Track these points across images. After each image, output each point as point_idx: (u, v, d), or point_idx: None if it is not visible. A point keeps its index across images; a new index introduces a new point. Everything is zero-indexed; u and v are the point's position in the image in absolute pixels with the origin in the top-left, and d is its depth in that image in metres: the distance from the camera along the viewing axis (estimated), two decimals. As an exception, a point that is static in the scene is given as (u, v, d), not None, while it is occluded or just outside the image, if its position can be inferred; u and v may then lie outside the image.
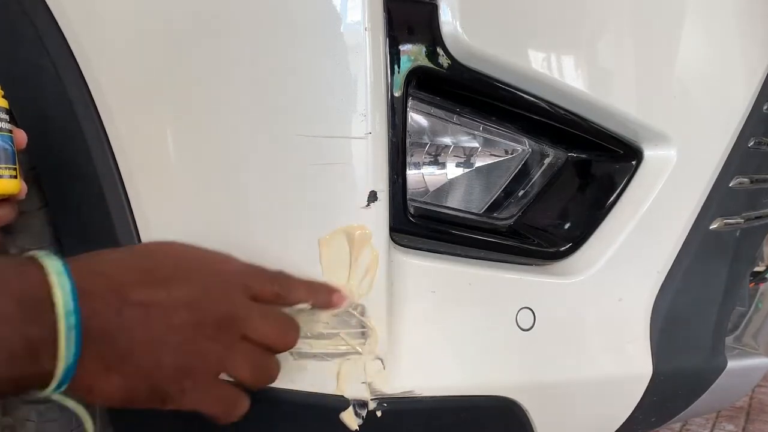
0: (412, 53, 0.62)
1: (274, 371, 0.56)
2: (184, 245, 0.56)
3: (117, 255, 0.53)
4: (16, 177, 0.58)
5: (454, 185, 0.73)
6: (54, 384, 0.46)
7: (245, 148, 0.62)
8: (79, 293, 0.46)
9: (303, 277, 0.59)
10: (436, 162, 0.71)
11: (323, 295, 0.59)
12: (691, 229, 0.75)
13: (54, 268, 0.46)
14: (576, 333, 0.71)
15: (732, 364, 0.84)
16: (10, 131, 0.58)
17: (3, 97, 0.58)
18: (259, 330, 0.54)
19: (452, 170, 0.72)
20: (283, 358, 0.63)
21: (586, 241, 0.73)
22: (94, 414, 0.75)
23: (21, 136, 0.60)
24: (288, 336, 0.56)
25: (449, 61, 0.63)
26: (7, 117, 0.58)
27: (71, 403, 0.50)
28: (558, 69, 0.67)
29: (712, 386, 0.83)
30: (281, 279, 0.58)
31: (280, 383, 0.64)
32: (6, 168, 0.57)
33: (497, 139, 0.72)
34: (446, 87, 0.67)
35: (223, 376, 0.54)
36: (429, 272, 0.65)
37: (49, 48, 0.66)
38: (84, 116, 0.66)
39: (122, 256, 0.53)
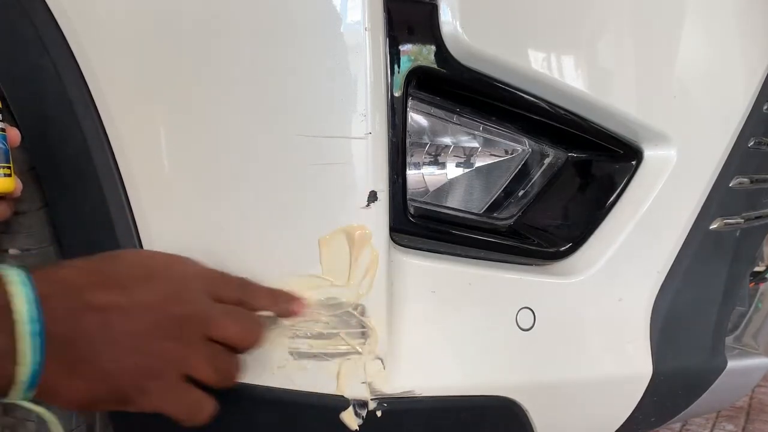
0: (412, 53, 0.62)
1: (235, 371, 0.57)
2: (149, 251, 0.57)
3: (78, 262, 0.54)
4: (10, 175, 0.59)
5: (454, 185, 0.73)
6: (19, 390, 0.47)
7: (245, 148, 0.62)
8: (41, 301, 0.47)
9: (267, 285, 0.60)
10: (436, 162, 0.71)
11: (285, 304, 0.60)
12: (691, 229, 0.75)
13: (16, 278, 0.47)
14: (576, 333, 0.71)
15: (732, 364, 0.84)
16: (3, 130, 0.59)
17: None
18: (222, 329, 0.54)
19: (452, 170, 0.72)
20: (283, 358, 0.63)
21: (586, 241, 0.73)
22: (94, 414, 0.75)
23: (14, 135, 0.60)
24: (251, 334, 0.56)
25: (449, 61, 0.63)
26: (0, 116, 0.58)
27: (39, 409, 0.52)
28: (558, 69, 0.67)
29: (712, 386, 0.83)
30: (245, 285, 0.59)
31: (280, 383, 0.64)
32: (0, 167, 0.58)
33: (497, 139, 0.72)
34: (446, 87, 0.67)
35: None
36: (429, 272, 0.65)
37: (49, 48, 0.66)
38: (84, 116, 0.66)
39: (83, 262, 0.54)
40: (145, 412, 0.53)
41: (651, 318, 0.74)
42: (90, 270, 0.53)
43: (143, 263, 0.55)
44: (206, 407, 0.55)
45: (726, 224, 0.78)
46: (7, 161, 0.58)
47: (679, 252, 0.74)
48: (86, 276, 0.52)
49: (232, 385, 0.57)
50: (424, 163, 0.71)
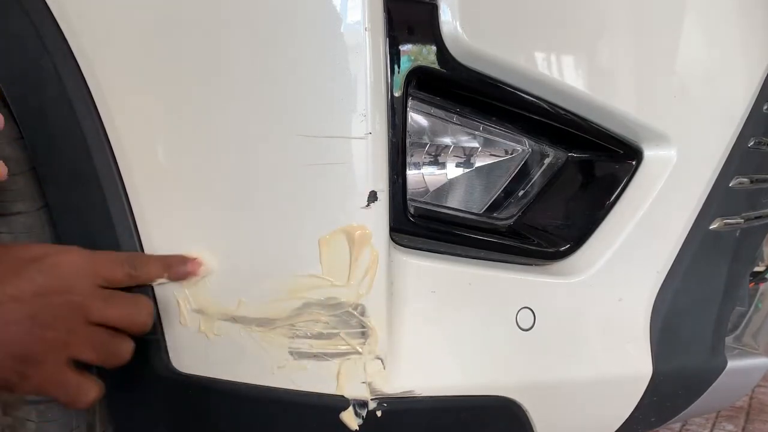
0: (412, 53, 0.62)
1: (123, 351, 0.59)
2: (27, 244, 0.61)
3: None
4: None
5: (454, 185, 0.73)
6: None
7: (245, 148, 0.62)
8: None
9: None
10: (436, 162, 0.71)
11: (178, 267, 0.62)
12: (691, 229, 0.75)
13: None
14: (576, 333, 0.71)
15: (732, 364, 0.84)
16: None
17: None
18: (102, 314, 0.57)
19: (452, 170, 0.72)
20: (283, 358, 0.63)
21: (586, 241, 0.73)
22: (94, 413, 0.75)
23: None
24: (135, 316, 0.59)
25: (449, 61, 0.63)
26: None
27: None
28: (558, 69, 0.67)
29: (712, 386, 0.83)
30: (132, 259, 0.61)
31: (280, 383, 0.64)
32: None
33: (497, 139, 0.72)
34: (446, 87, 0.67)
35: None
36: (429, 272, 0.65)
37: (49, 48, 0.66)
38: (84, 116, 0.66)
39: None
40: (30, 394, 0.57)
41: (651, 318, 0.74)
42: None
43: (15, 257, 0.58)
44: (89, 391, 0.58)
45: (726, 224, 0.78)
46: None
47: (679, 252, 0.74)
48: None
49: (121, 363, 0.59)
50: (424, 163, 0.71)
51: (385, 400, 0.63)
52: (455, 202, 0.73)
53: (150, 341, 0.66)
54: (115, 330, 0.59)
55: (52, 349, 0.56)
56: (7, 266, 0.56)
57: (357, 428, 0.63)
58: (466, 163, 0.72)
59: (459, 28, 0.62)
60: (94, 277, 0.58)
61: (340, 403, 0.63)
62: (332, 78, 0.60)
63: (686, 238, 0.74)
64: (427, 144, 0.70)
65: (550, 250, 0.73)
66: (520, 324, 0.68)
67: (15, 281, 0.56)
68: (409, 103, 0.64)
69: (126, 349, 0.60)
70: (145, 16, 0.63)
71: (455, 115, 0.70)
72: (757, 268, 1.04)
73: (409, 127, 0.65)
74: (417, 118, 0.69)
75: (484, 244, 0.70)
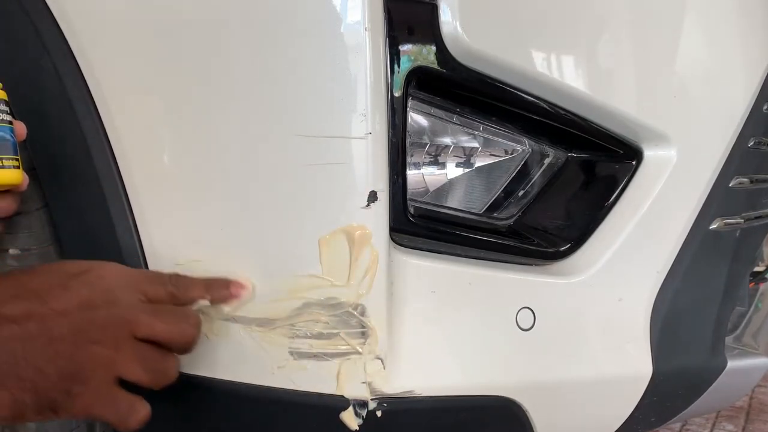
0: (412, 53, 0.62)
1: (171, 370, 0.56)
2: (71, 261, 0.57)
3: None
4: (18, 167, 0.59)
5: (454, 185, 0.73)
6: None
7: (245, 148, 0.62)
8: None
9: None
10: (436, 162, 0.71)
11: (219, 290, 0.61)
12: (691, 229, 0.75)
13: None
14: (576, 333, 0.71)
15: (732, 364, 0.84)
16: (11, 122, 0.59)
17: (2, 89, 0.59)
18: (148, 328, 0.54)
19: (452, 170, 0.72)
20: (283, 358, 0.63)
21: (586, 241, 0.73)
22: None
23: (21, 128, 0.61)
24: (182, 330, 0.56)
25: (449, 61, 0.63)
26: (7, 109, 0.59)
27: None
28: (558, 69, 0.67)
29: (712, 386, 0.83)
30: (175, 279, 0.59)
31: (280, 383, 0.64)
32: (8, 158, 0.58)
33: (497, 139, 0.72)
34: (446, 87, 0.67)
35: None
36: (429, 272, 0.65)
37: (49, 48, 0.66)
38: (84, 116, 0.66)
39: (2, 275, 0.55)
40: (78, 418, 0.54)
41: (651, 318, 0.74)
42: (5, 283, 0.53)
43: (60, 271, 0.55)
44: (139, 411, 0.55)
45: (726, 224, 0.78)
46: (15, 153, 0.59)
47: (679, 252, 0.74)
48: (2, 289, 0.52)
49: (168, 383, 0.56)
50: (424, 163, 0.71)
51: (385, 400, 0.63)
52: (455, 202, 0.73)
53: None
54: (161, 347, 0.56)
55: (98, 366, 0.53)
56: (53, 281, 0.54)
57: (357, 428, 0.63)
58: (466, 163, 0.72)
59: (459, 28, 0.62)
60: (137, 293, 0.56)
61: (340, 403, 0.63)
62: (332, 78, 0.60)
63: (686, 238, 0.74)
64: (427, 144, 0.70)
65: (550, 250, 0.73)
66: (520, 324, 0.68)
67: (61, 295, 0.53)
68: (409, 103, 0.64)
69: (174, 367, 0.57)
70: (145, 16, 0.63)
71: (455, 115, 0.70)
72: (757, 268, 1.04)
73: (409, 127, 0.65)
74: (417, 118, 0.69)
75: (484, 244, 0.70)
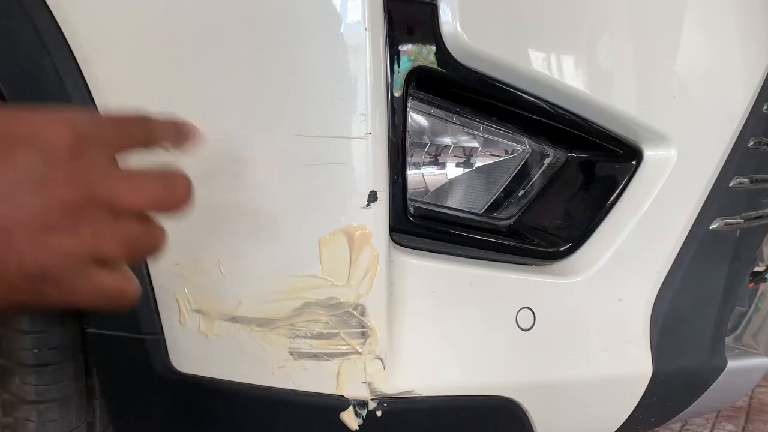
0: (412, 53, 0.62)
1: (160, 239, 0.48)
2: (20, 112, 0.42)
3: None
4: None
5: (454, 185, 0.73)
6: None
7: (245, 148, 0.62)
8: None
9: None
10: (436, 162, 0.71)
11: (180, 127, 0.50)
12: (691, 229, 0.75)
13: None
14: (576, 333, 0.71)
15: (732, 364, 0.84)
16: None
17: None
18: (131, 199, 0.45)
19: (452, 170, 0.72)
20: (283, 358, 0.63)
21: (586, 241, 0.73)
22: (94, 413, 0.75)
23: None
24: (174, 188, 0.47)
25: (449, 61, 0.63)
26: None
27: None
28: (558, 69, 0.67)
29: (712, 386, 0.83)
30: (144, 122, 0.49)
31: (280, 383, 0.64)
32: None
33: (497, 139, 0.72)
34: (446, 87, 0.67)
35: None
36: (429, 272, 0.65)
37: (49, 48, 0.66)
38: (84, 116, 0.66)
39: None
40: (61, 306, 0.45)
41: (651, 318, 0.74)
42: None
43: (7, 130, 0.40)
44: (127, 289, 0.45)
45: (726, 224, 0.78)
46: None
47: (679, 252, 0.74)
48: None
49: (157, 254, 0.48)
50: (424, 163, 0.71)
51: (385, 400, 0.63)
52: (455, 202, 0.73)
53: (150, 341, 0.66)
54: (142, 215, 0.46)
55: (71, 256, 0.41)
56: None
57: (357, 428, 0.63)
58: (466, 163, 0.72)
59: (459, 28, 0.62)
60: (108, 148, 0.45)
61: (340, 403, 0.63)
62: (332, 78, 0.60)
63: (686, 238, 0.74)
64: (427, 144, 0.70)
65: (550, 250, 0.73)
66: (520, 324, 0.68)
67: (4, 167, 0.38)
68: (409, 103, 0.64)
69: (161, 236, 0.48)
70: (145, 16, 0.63)
71: (455, 115, 0.70)
72: (757, 268, 1.04)
73: (409, 127, 0.65)
74: (417, 118, 0.69)
75: (484, 244, 0.70)
